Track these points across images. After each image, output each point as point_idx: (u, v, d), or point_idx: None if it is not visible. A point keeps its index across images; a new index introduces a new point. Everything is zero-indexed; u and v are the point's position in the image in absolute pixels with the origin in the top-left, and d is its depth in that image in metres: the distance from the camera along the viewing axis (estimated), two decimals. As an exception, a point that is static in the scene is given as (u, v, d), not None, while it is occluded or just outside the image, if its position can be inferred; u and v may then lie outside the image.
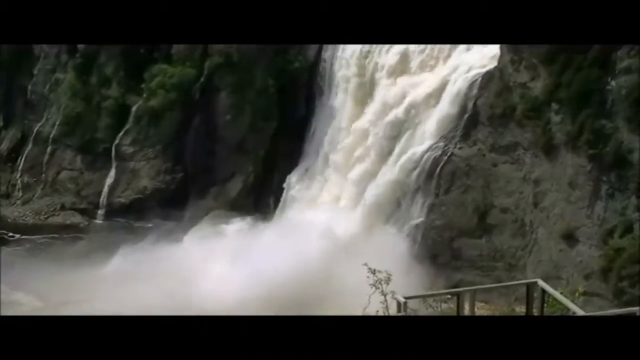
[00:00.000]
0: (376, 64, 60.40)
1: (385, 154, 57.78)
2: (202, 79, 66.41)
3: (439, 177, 53.81)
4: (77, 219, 68.17)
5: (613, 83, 47.17)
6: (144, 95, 67.53)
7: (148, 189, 67.46)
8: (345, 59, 62.68)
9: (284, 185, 64.69)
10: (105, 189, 68.32)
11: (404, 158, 55.97)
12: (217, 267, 55.68)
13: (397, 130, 57.35)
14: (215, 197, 65.60)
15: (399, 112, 57.11)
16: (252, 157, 65.63)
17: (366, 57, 61.14)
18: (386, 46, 59.89)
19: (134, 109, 68.06)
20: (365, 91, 61.33)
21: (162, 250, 58.16)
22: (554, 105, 48.94)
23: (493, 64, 52.96)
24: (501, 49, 52.10)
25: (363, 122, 60.04)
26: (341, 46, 63.36)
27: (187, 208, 65.86)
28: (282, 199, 64.43)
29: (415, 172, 55.02)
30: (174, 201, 66.12)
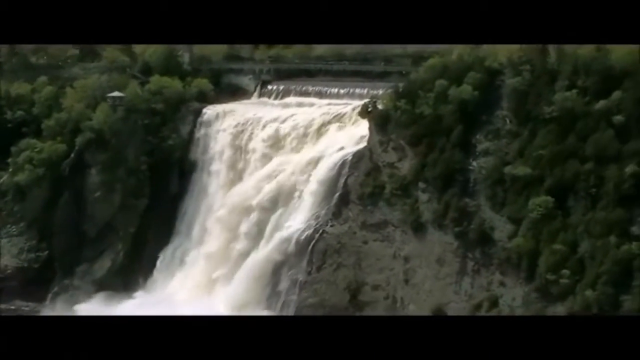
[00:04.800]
0: (249, 142, 61.06)
1: (258, 232, 57.67)
2: (72, 155, 64.99)
3: (311, 254, 54.18)
4: None
5: (474, 164, 49.68)
6: (10, 170, 65.42)
7: (9, 268, 64.48)
8: (220, 137, 63.00)
9: (155, 263, 63.16)
10: (-38, 268, 64.70)
11: (276, 236, 56.06)
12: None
13: (269, 208, 57.53)
14: (82, 276, 63.27)
15: (270, 189, 57.48)
16: (122, 235, 64.07)
17: (240, 135, 61.67)
18: (260, 124, 60.85)
19: (-3, 184, 65.94)
20: (239, 169, 61.61)
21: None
22: (421, 185, 50.78)
23: (363, 144, 54.48)
24: (370, 130, 53.80)
25: (235, 199, 59.94)
26: (215, 126, 63.83)
27: (51, 288, 63.24)
28: (152, 278, 62.80)
29: (288, 250, 55.12)
30: (37, 281, 63.26)
